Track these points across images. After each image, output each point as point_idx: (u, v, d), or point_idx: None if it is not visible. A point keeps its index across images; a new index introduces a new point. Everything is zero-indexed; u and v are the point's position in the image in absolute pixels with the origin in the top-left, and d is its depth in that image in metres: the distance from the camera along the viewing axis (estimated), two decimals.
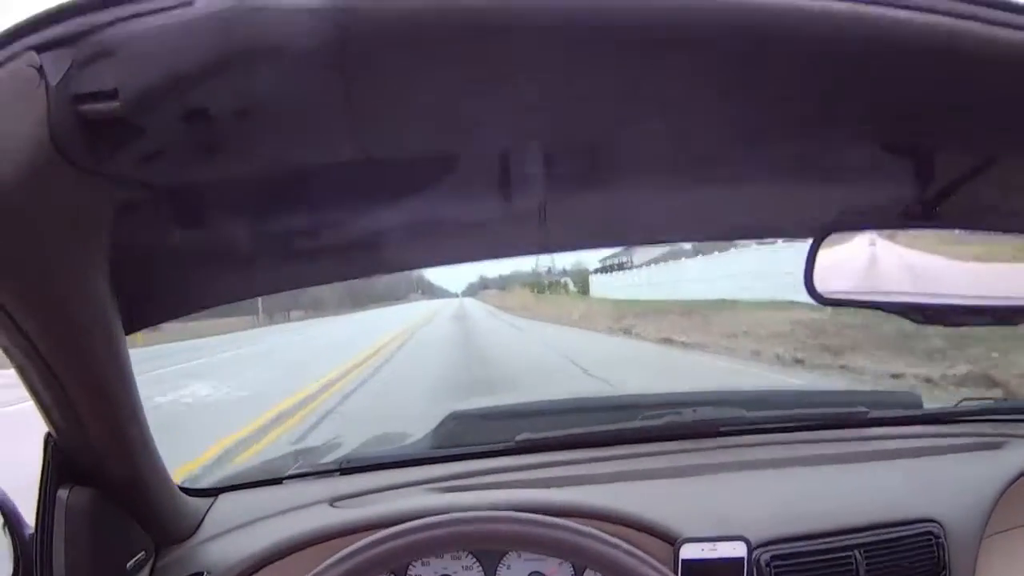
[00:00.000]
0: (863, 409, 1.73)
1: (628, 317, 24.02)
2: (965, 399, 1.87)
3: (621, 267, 49.90)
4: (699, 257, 30.79)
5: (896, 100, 0.81)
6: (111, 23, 0.58)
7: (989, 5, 0.66)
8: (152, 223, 0.94)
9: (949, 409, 1.84)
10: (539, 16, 0.61)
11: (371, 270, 1.48)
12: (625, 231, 1.53)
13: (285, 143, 0.82)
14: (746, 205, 1.39)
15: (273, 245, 1.23)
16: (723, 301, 22.57)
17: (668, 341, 17.22)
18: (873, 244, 1.08)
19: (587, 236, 1.52)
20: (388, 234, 1.30)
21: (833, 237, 1.08)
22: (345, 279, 1.48)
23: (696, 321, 19.23)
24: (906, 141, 1.01)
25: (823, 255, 1.08)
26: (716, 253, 28.51)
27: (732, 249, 27.87)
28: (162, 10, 0.58)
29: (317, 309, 54.15)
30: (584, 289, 50.00)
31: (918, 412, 1.84)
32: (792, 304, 16.08)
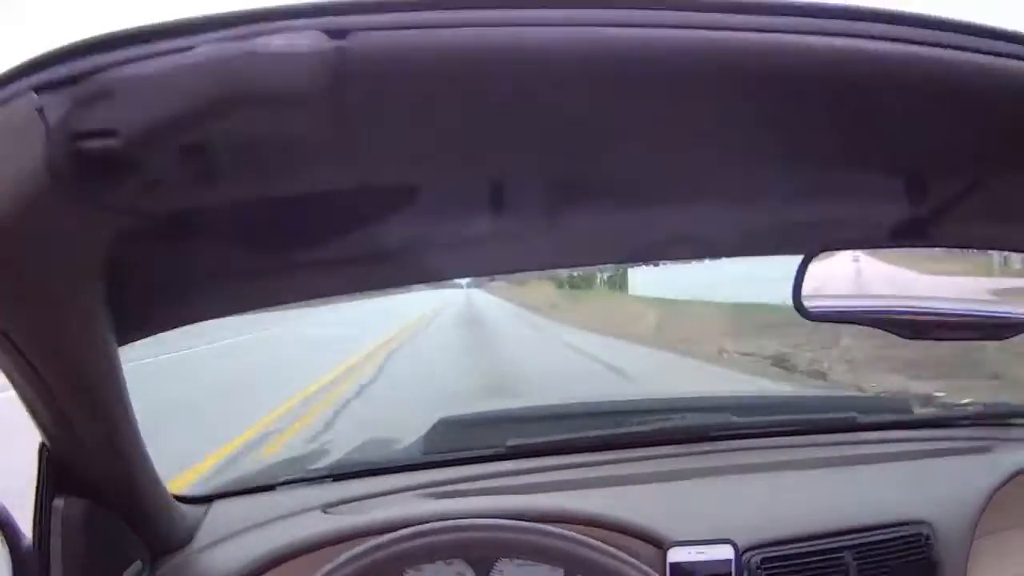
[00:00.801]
0: (852, 414, 1.74)
1: (765, 337, 12.67)
2: (955, 405, 1.88)
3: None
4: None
5: (886, 129, 0.82)
6: (111, 65, 0.59)
7: (982, 34, 0.67)
8: (149, 244, 0.94)
9: (938, 414, 1.88)
10: (539, 54, 0.62)
11: (368, 285, 1.49)
12: (623, 250, 1.55)
13: (281, 175, 0.83)
14: (740, 225, 1.40)
15: (270, 262, 1.24)
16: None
17: None
18: (857, 260, 1.10)
19: (583, 256, 1.55)
20: (386, 254, 1.32)
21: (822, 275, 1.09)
22: (344, 293, 1.50)
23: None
24: (896, 166, 1.02)
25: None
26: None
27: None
28: (161, 54, 0.59)
29: None
30: (620, 284, 38.08)
31: (907, 417, 1.86)
32: None
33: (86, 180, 0.65)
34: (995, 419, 1.82)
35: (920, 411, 1.94)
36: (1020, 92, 0.70)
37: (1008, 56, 0.68)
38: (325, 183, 0.87)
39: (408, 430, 1.79)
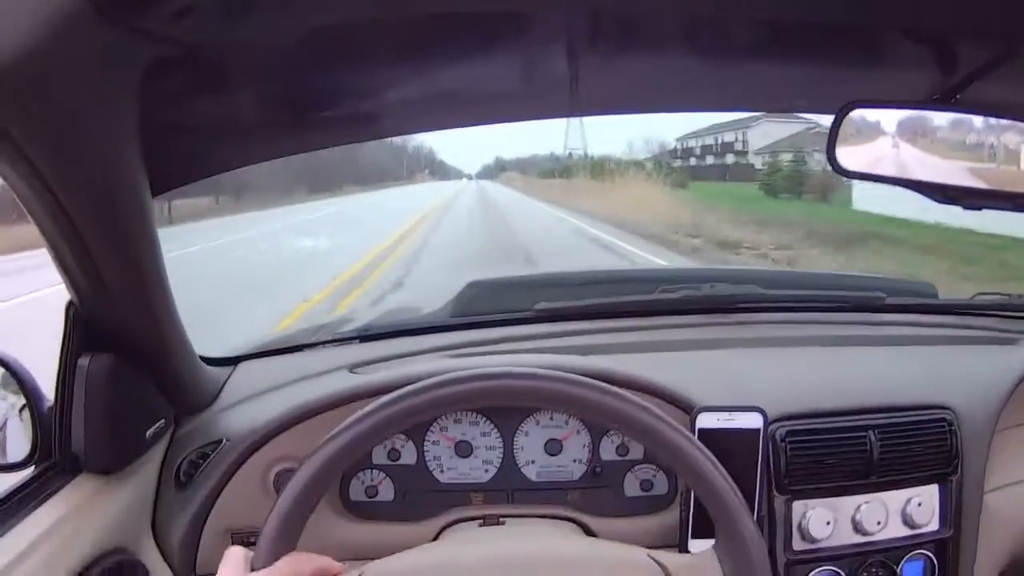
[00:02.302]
0: (880, 294, 1.73)
1: None
2: (979, 293, 1.86)
3: (725, 150, 31.16)
4: None
5: None
6: None
7: None
8: (179, 87, 0.94)
9: (964, 301, 1.84)
10: None
11: (395, 131, 1.55)
12: (654, 98, 1.53)
13: (309, 4, 0.82)
14: (771, 77, 1.38)
15: (295, 109, 1.23)
16: None
17: None
18: (896, 146, 1.07)
19: (614, 102, 1.53)
20: (413, 98, 1.32)
21: (859, 132, 1.08)
22: (369, 139, 1.50)
23: None
24: (932, 28, 1.00)
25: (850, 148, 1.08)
26: None
27: None
28: None
29: (238, 195, 26.02)
30: (822, 193, 21.62)
31: (934, 301, 1.85)
32: None
33: (125, 2, 0.65)
34: (1019, 311, 1.80)
35: (946, 297, 1.92)
36: None
37: None
38: (352, 9, 0.86)
39: (437, 288, 1.80)
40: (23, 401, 1.10)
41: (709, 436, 1.22)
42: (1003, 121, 1.08)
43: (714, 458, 0.98)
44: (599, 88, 1.40)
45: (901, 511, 1.29)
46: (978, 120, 1.08)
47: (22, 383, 1.10)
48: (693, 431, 1.23)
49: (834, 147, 1.07)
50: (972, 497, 1.33)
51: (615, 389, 1.00)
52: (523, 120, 1.56)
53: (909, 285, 1.98)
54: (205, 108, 1.09)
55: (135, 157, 0.90)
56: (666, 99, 1.54)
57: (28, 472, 1.10)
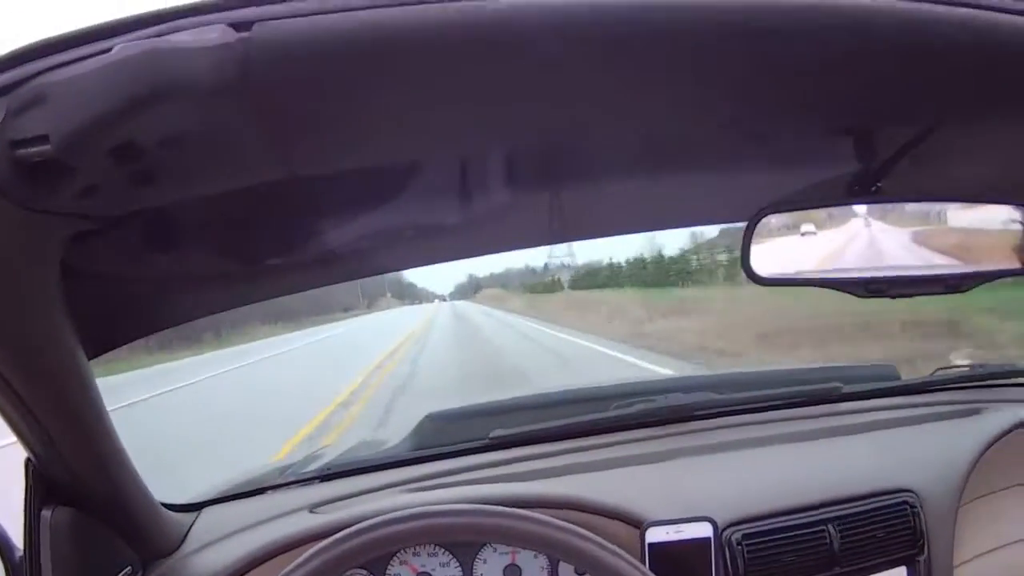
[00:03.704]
0: (837, 384, 1.75)
1: None
2: (940, 368, 1.88)
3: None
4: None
5: (845, 84, 0.83)
6: (40, 73, 0.61)
7: None
8: (103, 250, 0.96)
9: (924, 379, 1.86)
10: (439, 28, 0.63)
11: (345, 276, 1.50)
12: (579, 225, 1.56)
13: (214, 170, 0.85)
14: (691, 193, 1.42)
15: (234, 261, 1.24)
16: None
17: None
18: (868, 225, 1.09)
19: (540, 234, 1.55)
20: (354, 242, 1.32)
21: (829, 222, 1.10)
22: (321, 285, 1.49)
23: None
24: (849, 121, 1.03)
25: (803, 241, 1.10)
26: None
27: None
28: (83, 58, 0.61)
29: None
30: None
31: (893, 384, 1.86)
32: None
33: (28, 186, 0.67)
34: (981, 381, 1.83)
35: (906, 377, 1.93)
36: (973, 39, 0.71)
37: (966, 5, 0.69)
38: (256, 176, 0.88)
39: (396, 424, 1.80)
40: None
41: (661, 549, 1.24)
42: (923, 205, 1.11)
43: (638, 564, 1.01)
44: (526, 223, 1.44)
45: None
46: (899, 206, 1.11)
47: None
48: (643, 546, 1.24)
49: (748, 257, 1.08)
50: (942, 574, 1.33)
51: (557, 521, 1.05)
52: (500, 252, 1.59)
53: (867, 371, 1.99)
54: (139, 270, 1.11)
55: (65, 326, 0.92)
56: (587, 227, 1.59)
57: None
